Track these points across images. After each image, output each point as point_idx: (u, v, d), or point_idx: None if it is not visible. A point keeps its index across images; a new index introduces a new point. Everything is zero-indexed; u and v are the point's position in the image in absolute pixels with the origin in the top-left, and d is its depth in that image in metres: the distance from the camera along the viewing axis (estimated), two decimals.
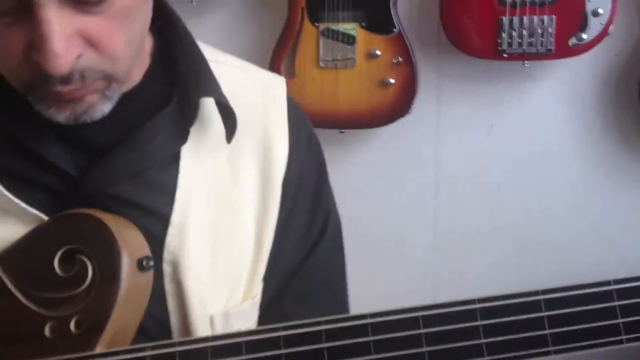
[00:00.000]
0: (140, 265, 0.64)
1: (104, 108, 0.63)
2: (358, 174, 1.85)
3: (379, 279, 1.84)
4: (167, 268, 0.70)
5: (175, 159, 0.71)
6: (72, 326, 0.63)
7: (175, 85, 0.71)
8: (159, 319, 0.70)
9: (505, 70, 1.74)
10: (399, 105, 1.69)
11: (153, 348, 0.59)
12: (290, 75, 1.66)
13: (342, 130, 1.72)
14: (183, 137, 0.70)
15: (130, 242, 0.65)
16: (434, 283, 1.90)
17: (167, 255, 0.70)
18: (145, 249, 0.66)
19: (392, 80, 1.66)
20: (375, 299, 0.77)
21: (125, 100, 0.68)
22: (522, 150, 1.83)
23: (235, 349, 0.58)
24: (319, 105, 1.67)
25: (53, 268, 0.64)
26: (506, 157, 1.84)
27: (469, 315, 0.55)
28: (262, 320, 0.79)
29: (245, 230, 0.75)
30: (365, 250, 1.87)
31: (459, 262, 1.89)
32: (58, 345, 0.62)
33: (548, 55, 1.62)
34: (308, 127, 0.82)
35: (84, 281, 0.63)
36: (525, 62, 1.65)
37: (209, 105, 0.72)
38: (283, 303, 0.79)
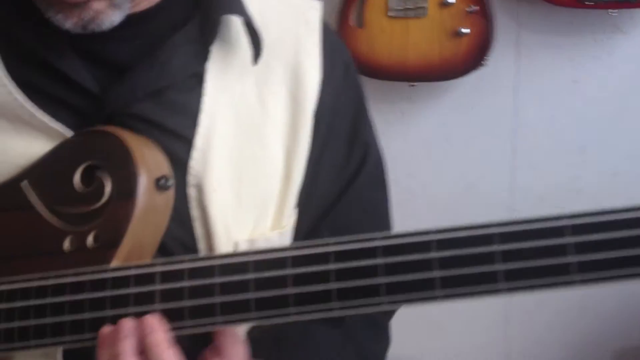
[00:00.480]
0: (158, 184, 0.64)
1: (113, 17, 0.62)
2: (429, 129, 1.79)
3: None
4: (192, 192, 0.69)
5: (199, 80, 0.69)
6: (89, 241, 0.63)
7: (198, 4, 0.69)
8: (187, 245, 0.69)
9: (590, 20, 1.63)
10: (473, 57, 1.61)
11: (163, 264, 0.58)
12: (359, 25, 1.61)
13: (413, 84, 1.66)
14: (203, 56, 0.69)
15: (149, 160, 0.64)
16: None
17: (191, 179, 0.69)
18: (164, 169, 0.65)
19: (465, 30, 1.58)
20: None
21: (146, 17, 0.67)
22: (608, 107, 1.72)
23: (242, 267, 0.56)
24: (389, 57, 1.62)
25: (73, 184, 0.64)
26: (591, 114, 1.73)
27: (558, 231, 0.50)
28: None
29: (272, 159, 0.73)
30: (437, 209, 1.82)
31: None
32: (75, 259, 0.62)
33: (637, 3, 1.49)
34: (345, 55, 0.78)
35: (102, 197, 0.63)
36: (612, 10, 1.53)
37: (235, 26, 0.70)
38: (321, 235, 0.77)
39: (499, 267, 0.49)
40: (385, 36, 1.60)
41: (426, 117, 1.78)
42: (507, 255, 0.49)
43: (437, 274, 0.50)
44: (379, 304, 0.52)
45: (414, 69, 1.63)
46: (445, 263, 0.50)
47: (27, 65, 0.67)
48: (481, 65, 1.62)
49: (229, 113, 0.70)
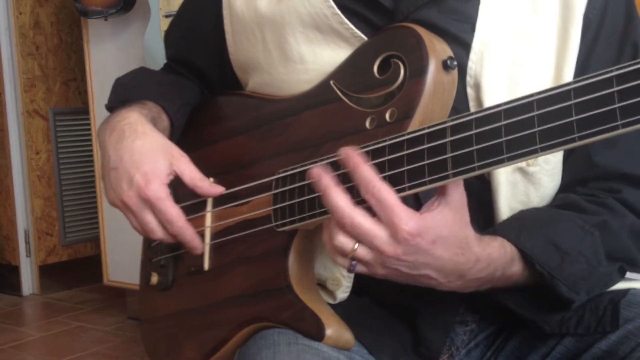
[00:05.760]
0: (445, 65, 0.73)
1: None
2: None
3: None
4: (470, 92, 0.77)
5: None
6: (387, 116, 0.73)
7: None
8: None
9: None
10: None
11: (452, 120, 0.66)
12: None
13: None
14: None
15: (436, 45, 0.73)
16: None
17: (469, 80, 0.77)
18: (449, 52, 0.74)
19: None
20: None
21: None
22: None
23: (528, 107, 0.62)
24: None
25: (373, 73, 0.76)
26: None
27: None
28: (567, 161, 0.81)
29: (543, 60, 0.78)
30: None
31: None
32: (376, 133, 0.73)
33: None
34: None
35: (397, 79, 0.74)
36: None
37: None
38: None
39: None
40: None
41: None
42: None
43: None
44: None
45: None
46: None
47: None
48: None
49: (503, 18, 0.78)
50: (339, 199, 0.66)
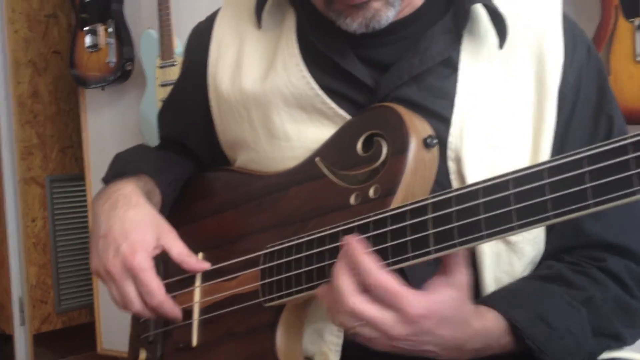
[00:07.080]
0: (426, 143, 0.75)
1: (389, 14, 0.78)
2: None
3: None
4: (451, 165, 0.80)
5: (455, 69, 0.81)
6: (370, 193, 0.75)
7: (451, 1, 0.82)
8: None
9: None
10: None
11: (433, 197, 0.68)
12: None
13: None
14: (457, 41, 0.81)
15: (417, 124, 0.76)
16: None
17: (450, 153, 0.80)
18: (429, 130, 0.76)
19: None
20: None
21: (409, 22, 0.83)
22: None
23: (503, 186, 0.63)
24: (639, 103, 1.61)
25: (356, 150, 0.78)
26: None
27: None
28: (552, 228, 0.82)
29: (521, 133, 0.81)
30: None
31: None
32: (361, 209, 0.75)
33: None
34: (586, 39, 0.86)
35: (379, 157, 0.76)
36: None
37: (482, 16, 0.82)
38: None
39: None
40: (634, 82, 1.60)
41: None
42: None
43: None
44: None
45: None
46: None
47: (318, 67, 0.84)
48: None
49: (480, 93, 0.81)
50: (344, 283, 0.67)
